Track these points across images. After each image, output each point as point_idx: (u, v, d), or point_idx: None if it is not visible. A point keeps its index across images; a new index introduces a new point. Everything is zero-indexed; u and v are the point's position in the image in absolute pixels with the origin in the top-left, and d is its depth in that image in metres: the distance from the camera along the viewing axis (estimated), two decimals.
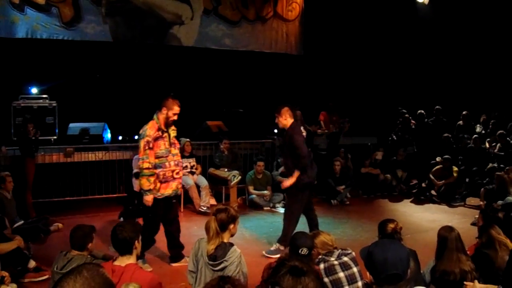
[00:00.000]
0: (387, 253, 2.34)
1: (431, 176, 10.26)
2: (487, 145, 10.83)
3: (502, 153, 10.25)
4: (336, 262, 3.80)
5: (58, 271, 3.94)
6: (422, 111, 12.14)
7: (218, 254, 3.76)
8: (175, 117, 5.89)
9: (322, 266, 3.82)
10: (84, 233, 4.17)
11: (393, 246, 2.46)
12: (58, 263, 4.03)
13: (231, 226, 3.89)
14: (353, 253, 3.84)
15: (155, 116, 5.88)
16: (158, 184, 5.83)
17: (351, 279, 3.75)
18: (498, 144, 10.52)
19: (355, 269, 3.77)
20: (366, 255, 2.43)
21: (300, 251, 3.75)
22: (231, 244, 3.84)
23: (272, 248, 6.61)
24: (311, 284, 1.93)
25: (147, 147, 5.68)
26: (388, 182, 10.79)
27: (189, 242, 6.78)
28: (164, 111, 5.83)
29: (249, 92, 12.24)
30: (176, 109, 5.86)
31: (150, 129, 5.75)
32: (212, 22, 12.40)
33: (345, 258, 3.83)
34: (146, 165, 5.68)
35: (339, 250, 3.95)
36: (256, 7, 12.96)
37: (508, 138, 10.48)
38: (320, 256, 3.93)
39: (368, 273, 2.45)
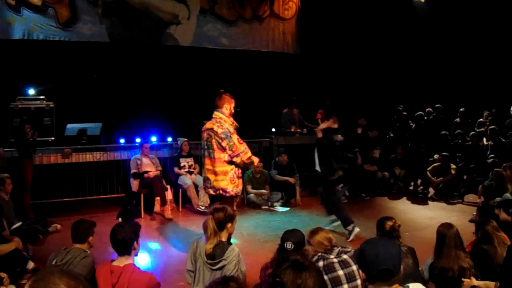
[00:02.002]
0: (378, 249, 2.36)
1: (428, 174, 10.27)
2: (484, 142, 10.84)
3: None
4: (335, 260, 3.81)
5: (56, 264, 3.99)
6: (422, 113, 12.15)
7: (217, 253, 3.76)
8: (233, 110, 5.95)
9: (321, 263, 3.82)
10: (86, 226, 4.31)
11: (383, 243, 2.49)
12: (58, 257, 4.08)
13: (229, 225, 3.89)
14: (353, 251, 3.85)
15: (221, 116, 5.80)
16: (237, 180, 5.79)
17: (350, 277, 3.76)
18: (490, 142, 10.53)
19: (354, 267, 3.78)
20: (358, 253, 2.45)
21: (285, 245, 3.77)
22: (229, 243, 3.85)
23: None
24: (310, 280, 1.95)
25: (241, 140, 5.75)
26: (386, 180, 10.79)
27: (188, 242, 6.80)
28: (227, 107, 5.84)
29: (246, 91, 12.22)
30: (233, 101, 5.95)
31: (230, 126, 5.76)
32: (208, 22, 12.39)
33: (345, 256, 3.84)
34: (248, 154, 5.76)
35: (339, 248, 3.95)
36: (252, 6, 12.96)
37: (500, 137, 10.48)
38: (319, 254, 3.94)
39: (360, 271, 2.46)
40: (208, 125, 5.78)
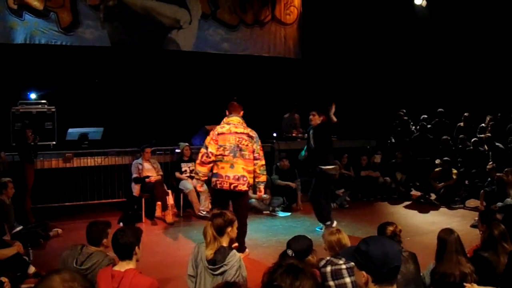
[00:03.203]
0: (385, 248, 2.31)
1: (430, 178, 10.24)
2: (485, 147, 10.83)
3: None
4: (344, 267, 3.81)
5: (78, 266, 3.92)
6: (425, 116, 12.16)
7: (218, 259, 3.75)
8: None
9: (328, 269, 3.82)
10: (98, 228, 4.22)
11: (386, 241, 2.44)
12: (78, 258, 4.00)
13: (229, 229, 3.88)
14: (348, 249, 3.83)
15: (243, 121, 6.51)
16: None
17: (356, 285, 3.75)
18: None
19: None
20: (361, 254, 2.37)
21: (287, 252, 3.77)
22: (230, 248, 3.84)
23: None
24: (308, 282, 1.97)
25: (261, 148, 6.61)
26: (387, 185, 10.77)
27: (189, 246, 6.80)
28: (242, 113, 6.57)
29: (248, 96, 12.24)
30: None
31: None
32: (210, 26, 12.43)
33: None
34: (264, 162, 6.57)
35: None
36: (254, 11, 13.00)
37: (496, 143, 10.48)
38: (327, 258, 3.94)
39: (364, 273, 2.38)
40: (237, 129, 6.37)
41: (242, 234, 6.29)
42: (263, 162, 6.50)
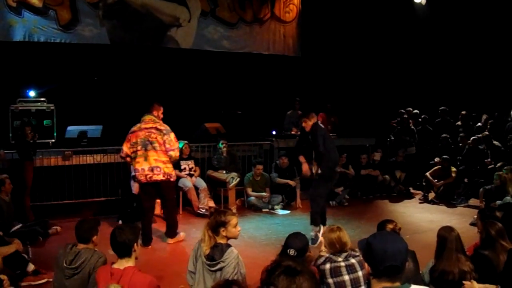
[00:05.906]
0: (386, 244, 2.33)
1: (429, 177, 10.24)
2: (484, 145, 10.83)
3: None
4: (342, 264, 3.81)
5: (67, 266, 3.96)
6: (418, 112, 12.17)
7: (215, 255, 3.76)
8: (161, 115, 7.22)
9: (327, 266, 3.82)
10: (89, 226, 4.26)
11: (392, 238, 2.44)
12: (67, 257, 4.02)
13: (221, 229, 3.86)
14: (361, 256, 3.81)
15: (155, 118, 7.01)
16: None
17: (355, 283, 3.76)
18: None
19: (360, 273, 3.78)
20: (365, 246, 2.41)
21: (288, 252, 3.76)
22: (228, 245, 3.84)
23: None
24: (305, 284, 1.95)
25: (176, 139, 7.09)
26: (386, 183, 10.77)
27: (188, 244, 6.82)
28: (155, 113, 7.09)
29: (247, 94, 12.25)
30: (161, 108, 7.19)
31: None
32: (209, 24, 12.42)
33: (353, 261, 3.84)
34: (178, 153, 7.15)
35: (348, 251, 3.94)
36: (253, 8, 12.98)
37: (493, 141, 10.48)
38: (327, 256, 3.93)
39: (366, 264, 2.43)
40: (146, 125, 6.87)
41: (174, 224, 7.22)
42: (176, 153, 6.97)
